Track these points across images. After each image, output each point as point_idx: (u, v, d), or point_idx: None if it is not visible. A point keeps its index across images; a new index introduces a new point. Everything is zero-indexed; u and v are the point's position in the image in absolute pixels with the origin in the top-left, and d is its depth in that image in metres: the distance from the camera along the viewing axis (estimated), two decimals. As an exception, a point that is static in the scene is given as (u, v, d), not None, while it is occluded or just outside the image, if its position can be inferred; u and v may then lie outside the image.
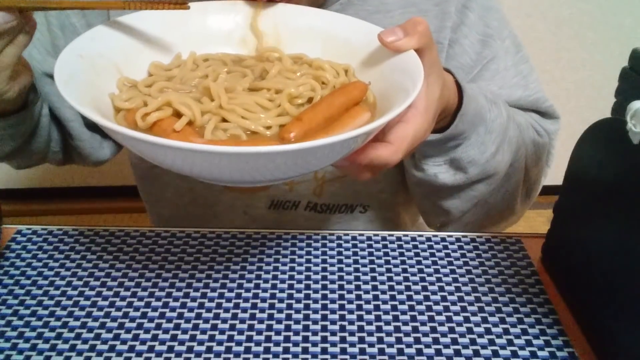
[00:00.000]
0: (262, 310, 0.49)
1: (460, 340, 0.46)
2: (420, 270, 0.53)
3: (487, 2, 0.65)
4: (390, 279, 0.52)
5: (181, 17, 0.52)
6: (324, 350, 0.45)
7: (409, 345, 0.45)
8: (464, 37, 0.64)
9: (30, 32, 0.46)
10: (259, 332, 0.46)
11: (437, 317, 0.48)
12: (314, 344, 0.45)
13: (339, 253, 0.55)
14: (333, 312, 0.49)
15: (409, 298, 0.50)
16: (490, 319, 0.48)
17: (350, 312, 0.49)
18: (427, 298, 0.50)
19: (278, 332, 0.47)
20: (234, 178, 0.42)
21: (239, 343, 0.45)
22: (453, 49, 0.65)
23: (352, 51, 0.51)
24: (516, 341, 0.46)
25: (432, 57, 0.46)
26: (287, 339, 0.46)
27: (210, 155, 0.36)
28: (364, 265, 0.54)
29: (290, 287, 0.51)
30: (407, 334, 0.46)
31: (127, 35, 0.49)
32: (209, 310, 0.49)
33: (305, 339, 0.46)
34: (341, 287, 0.51)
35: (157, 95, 0.45)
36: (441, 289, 0.51)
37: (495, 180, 0.61)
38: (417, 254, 0.55)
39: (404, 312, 0.49)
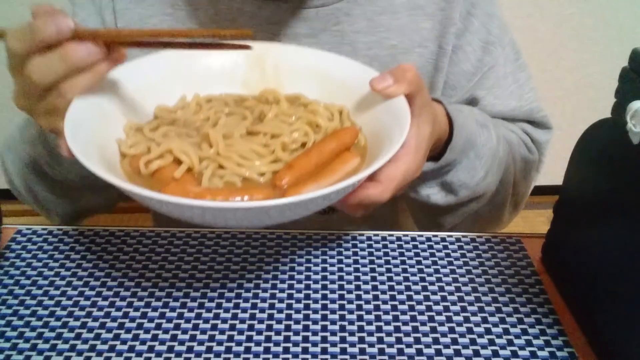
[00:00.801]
0: (262, 310, 0.49)
1: (460, 340, 0.46)
2: (420, 270, 0.53)
3: (489, 8, 0.66)
4: (390, 279, 0.52)
5: (185, 60, 0.54)
6: (324, 350, 0.45)
7: (409, 345, 0.45)
8: (467, 43, 0.65)
9: (115, 62, 0.46)
10: (259, 332, 0.46)
11: (437, 317, 0.48)
12: (314, 344, 0.46)
13: (339, 253, 0.55)
14: (333, 312, 0.49)
15: (409, 298, 0.50)
16: (490, 319, 0.48)
17: (350, 312, 0.49)
18: (427, 298, 0.50)
19: (278, 332, 0.47)
20: (230, 225, 0.46)
21: (239, 343, 0.45)
22: (457, 55, 0.65)
23: (348, 92, 0.54)
24: (516, 341, 0.46)
25: (422, 99, 0.48)
26: (287, 339, 0.46)
27: (203, 209, 0.39)
28: (364, 265, 0.54)
29: (290, 287, 0.51)
30: (407, 334, 0.46)
31: (135, 79, 0.50)
32: (209, 310, 0.49)
33: (305, 339, 0.46)
34: (341, 287, 0.51)
35: (160, 141, 0.47)
36: (441, 289, 0.51)
37: (485, 199, 0.64)
38: (417, 254, 0.55)
39: (404, 312, 0.48)
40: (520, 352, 0.45)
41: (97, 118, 0.46)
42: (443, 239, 0.57)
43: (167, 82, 0.53)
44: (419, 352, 0.45)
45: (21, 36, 0.43)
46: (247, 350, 0.45)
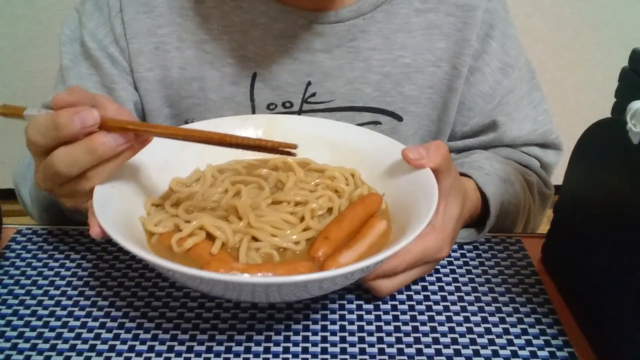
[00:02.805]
0: (262, 310, 0.49)
1: (460, 340, 0.46)
2: (420, 270, 0.53)
3: (507, 29, 0.66)
4: (390, 279, 0.52)
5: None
6: (324, 350, 0.45)
7: (409, 345, 0.45)
8: (485, 65, 0.66)
9: (137, 149, 0.46)
10: (259, 332, 0.46)
11: (437, 317, 0.48)
12: (314, 344, 0.45)
13: (339, 253, 0.55)
14: (333, 312, 0.49)
15: (409, 298, 0.50)
16: (490, 319, 0.48)
17: (350, 312, 0.49)
18: (427, 298, 0.50)
19: (278, 332, 0.47)
20: (271, 300, 0.46)
21: (239, 343, 0.45)
22: (474, 77, 0.66)
23: (359, 158, 0.56)
24: (516, 341, 0.46)
25: (451, 178, 0.49)
26: (287, 339, 0.46)
27: (257, 286, 0.39)
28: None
29: (290, 287, 0.51)
30: (407, 334, 0.46)
31: (148, 158, 0.50)
32: (209, 310, 0.48)
33: (305, 339, 0.46)
34: (341, 287, 0.51)
35: (185, 217, 0.48)
36: (441, 289, 0.51)
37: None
38: (417, 254, 0.55)
39: (404, 312, 0.48)
40: (520, 352, 0.45)
41: (119, 198, 0.47)
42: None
43: (178, 152, 0.54)
44: (419, 352, 0.45)
45: (44, 131, 0.42)
46: (247, 350, 0.45)
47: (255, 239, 0.46)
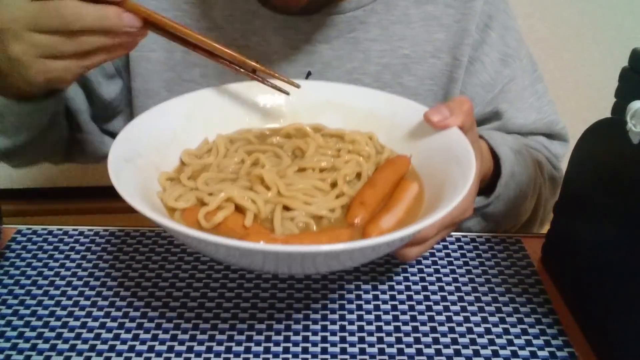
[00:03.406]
0: (262, 310, 0.49)
1: (460, 340, 0.46)
2: (420, 270, 0.53)
3: (506, 21, 0.67)
4: (390, 279, 0.52)
5: (200, 103, 0.54)
6: (324, 350, 0.45)
7: (409, 345, 0.45)
8: (485, 55, 0.66)
9: (130, 47, 0.46)
10: (259, 332, 0.46)
11: (437, 317, 0.48)
12: (314, 344, 0.45)
13: (339, 253, 0.55)
14: (333, 312, 0.49)
15: (409, 298, 0.50)
16: (490, 319, 0.48)
17: (350, 312, 0.49)
18: (427, 298, 0.50)
19: (278, 332, 0.46)
20: (309, 271, 0.45)
21: (239, 343, 0.45)
22: (474, 66, 0.66)
23: (375, 121, 0.54)
24: (516, 341, 0.46)
25: (472, 135, 0.48)
26: (287, 339, 0.46)
27: (306, 255, 0.36)
28: (364, 265, 0.54)
29: (291, 286, 0.51)
30: (407, 334, 0.46)
31: (155, 129, 0.50)
32: (209, 310, 0.48)
33: (305, 339, 0.46)
34: (341, 287, 0.51)
35: (206, 189, 0.45)
36: (441, 289, 0.51)
37: (520, 222, 0.64)
38: (417, 254, 0.55)
39: (404, 312, 0.48)
40: (520, 352, 0.45)
41: (134, 174, 0.45)
42: (443, 239, 0.57)
43: (184, 125, 0.53)
44: (419, 352, 0.45)
45: None
46: (247, 350, 0.45)
47: (286, 208, 0.44)
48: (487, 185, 0.58)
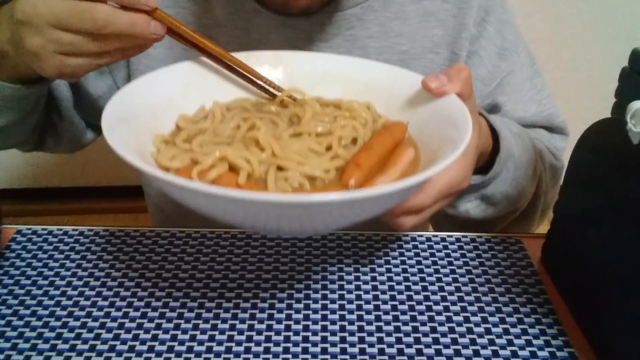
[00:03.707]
0: (262, 310, 0.49)
1: (460, 340, 0.46)
2: (420, 270, 0.53)
3: (503, 15, 0.66)
4: (390, 279, 0.52)
5: (197, 72, 0.54)
6: (324, 350, 0.45)
7: (409, 345, 0.45)
8: (482, 49, 0.66)
9: (144, 49, 0.47)
10: (259, 332, 0.46)
11: (437, 317, 0.48)
12: (314, 344, 0.45)
13: (339, 253, 0.55)
14: (333, 312, 0.49)
15: (409, 298, 0.50)
16: (490, 319, 0.48)
17: (350, 312, 0.49)
18: (427, 298, 0.50)
19: (278, 332, 0.47)
20: (294, 228, 0.43)
21: (239, 343, 0.45)
22: (471, 60, 0.66)
23: (374, 92, 0.53)
24: (516, 341, 0.46)
25: (471, 104, 0.47)
26: (287, 339, 0.46)
27: (303, 205, 0.36)
28: (364, 265, 0.54)
29: (290, 287, 0.51)
30: (407, 334, 0.46)
31: (151, 93, 0.50)
32: (209, 310, 0.48)
33: (305, 339, 0.46)
34: (341, 287, 0.51)
35: (200, 150, 0.45)
36: (441, 289, 0.51)
37: (520, 210, 0.63)
38: (417, 254, 0.55)
39: (404, 312, 0.48)
40: (520, 352, 0.45)
41: (128, 133, 0.45)
42: (443, 239, 0.57)
43: (182, 92, 0.52)
44: (419, 352, 0.45)
45: None
46: (247, 350, 0.45)
47: (281, 169, 0.44)
48: (486, 163, 0.57)
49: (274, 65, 0.55)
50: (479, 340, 0.46)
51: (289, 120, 0.51)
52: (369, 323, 0.47)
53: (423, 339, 0.46)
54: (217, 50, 0.50)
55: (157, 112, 0.49)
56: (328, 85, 0.55)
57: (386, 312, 0.48)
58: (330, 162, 0.45)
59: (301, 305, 0.49)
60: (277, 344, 0.45)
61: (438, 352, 0.45)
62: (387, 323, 0.47)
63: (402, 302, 0.50)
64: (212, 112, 0.52)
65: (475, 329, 0.47)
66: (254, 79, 0.53)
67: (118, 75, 0.68)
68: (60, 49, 0.44)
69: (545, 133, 0.70)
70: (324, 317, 0.48)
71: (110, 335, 0.46)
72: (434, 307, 0.49)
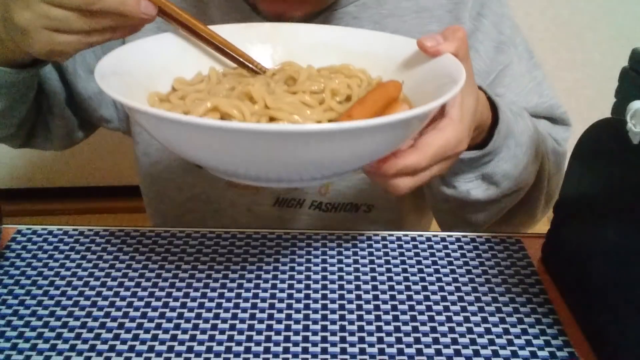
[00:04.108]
0: (262, 310, 0.49)
1: (460, 340, 0.46)
2: (420, 270, 0.53)
3: (500, 9, 0.66)
4: (390, 279, 0.52)
5: (194, 45, 0.53)
6: (324, 350, 0.45)
7: (409, 345, 0.45)
8: (479, 43, 0.65)
9: (134, 31, 0.47)
10: (259, 332, 0.46)
11: (437, 317, 0.48)
12: (314, 344, 0.45)
13: (339, 253, 0.55)
14: (333, 312, 0.49)
15: (409, 298, 0.50)
16: (490, 319, 0.48)
17: (350, 312, 0.49)
18: (427, 298, 0.50)
19: (278, 332, 0.47)
20: (275, 168, 0.41)
21: (239, 343, 0.45)
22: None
23: (371, 60, 0.52)
24: (516, 341, 0.46)
25: (467, 66, 0.46)
26: (287, 339, 0.46)
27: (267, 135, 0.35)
28: (364, 265, 0.54)
29: (290, 287, 0.51)
30: (407, 334, 0.46)
31: (149, 56, 0.49)
32: (209, 310, 0.49)
33: (305, 339, 0.46)
34: (341, 287, 0.51)
35: (193, 105, 0.45)
36: (441, 289, 0.51)
37: (523, 192, 0.62)
38: (417, 254, 0.55)
39: (404, 312, 0.48)
40: (520, 352, 0.45)
41: (122, 87, 0.44)
42: (443, 239, 0.57)
43: (179, 59, 0.52)
44: (419, 352, 0.45)
45: None
46: (247, 350, 0.45)
47: (273, 120, 0.43)
48: (484, 140, 0.56)
49: (271, 37, 0.54)
50: (479, 340, 0.46)
51: (284, 83, 0.50)
52: (369, 323, 0.47)
53: (423, 339, 0.46)
54: (208, 32, 0.50)
55: (153, 74, 0.49)
56: (325, 56, 0.54)
57: (386, 312, 0.48)
58: (323, 114, 0.44)
59: (301, 305, 0.49)
60: (277, 344, 0.45)
61: (438, 352, 0.45)
62: (387, 323, 0.47)
63: (402, 302, 0.50)
64: (209, 75, 0.51)
65: (475, 329, 0.47)
66: (244, 61, 0.52)
67: None
68: (49, 24, 0.44)
69: (548, 123, 0.70)
70: (324, 317, 0.48)
71: (110, 335, 0.46)
72: (434, 307, 0.49)
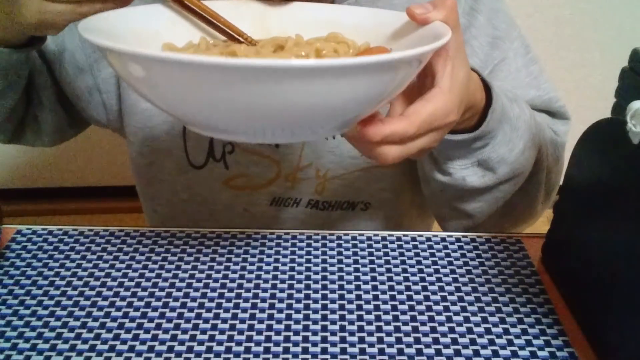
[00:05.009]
0: (262, 310, 0.49)
1: (460, 340, 0.46)
2: (420, 270, 0.53)
3: (494, 4, 0.65)
4: (390, 279, 0.52)
5: (187, 17, 0.52)
6: (324, 350, 0.45)
7: (409, 345, 0.45)
8: (473, 38, 0.65)
9: (125, 3, 0.46)
10: (259, 332, 0.46)
11: (437, 317, 0.48)
12: (314, 344, 0.46)
13: (339, 253, 0.55)
14: (333, 312, 0.49)
15: (409, 298, 0.50)
16: (490, 319, 0.48)
17: (350, 312, 0.49)
18: (427, 298, 0.50)
19: (278, 332, 0.47)
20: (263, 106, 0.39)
21: (239, 343, 0.45)
22: None
23: (362, 35, 0.51)
24: (516, 341, 0.46)
25: (458, 38, 0.45)
26: (287, 339, 0.46)
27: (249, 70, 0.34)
28: (364, 265, 0.54)
29: (290, 287, 0.51)
30: (407, 334, 0.46)
31: (138, 23, 0.49)
32: (209, 310, 0.49)
33: (305, 339, 0.46)
34: (341, 287, 0.51)
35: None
36: (441, 289, 0.51)
37: (520, 180, 0.61)
38: (417, 254, 0.55)
39: (404, 312, 0.49)
40: (520, 352, 0.45)
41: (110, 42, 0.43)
42: (443, 239, 0.57)
43: (169, 30, 0.51)
44: (419, 352, 0.45)
45: None
46: (247, 350, 0.45)
47: None
48: (479, 122, 0.54)
49: (264, 13, 0.54)
50: (479, 340, 0.46)
51: (273, 51, 0.50)
52: (369, 323, 0.48)
53: (423, 339, 0.46)
54: (199, 4, 0.50)
55: (142, 40, 0.48)
56: (316, 32, 0.53)
57: (386, 312, 0.48)
58: None
59: (301, 305, 0.49)
60: (277, 344, 0.45)
61: (438, 352, 0.45)
62: (387, 323, 0.47)
63: (402, 302, 0.50)
64: (198, 43, 0.51)
65: (475, 329, 0.47)
66: (234, 35, 0.51)
67: (99, 75, 0.67)
68: None
69: (546, 116, 0.69)
70: (324, 317, 0.48)
71: (110, 335, 0.46)
72: (434, 307, 0.49)
